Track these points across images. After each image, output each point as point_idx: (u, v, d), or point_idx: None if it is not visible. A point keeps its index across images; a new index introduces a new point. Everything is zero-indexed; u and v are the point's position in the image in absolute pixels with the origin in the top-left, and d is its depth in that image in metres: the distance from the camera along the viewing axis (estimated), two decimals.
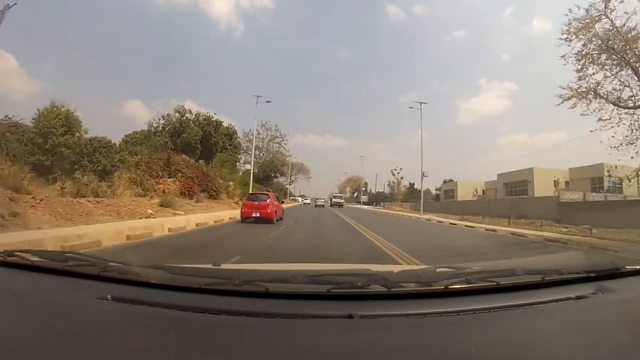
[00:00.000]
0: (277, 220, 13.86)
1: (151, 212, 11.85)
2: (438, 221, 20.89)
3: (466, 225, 17.31)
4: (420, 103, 31.13)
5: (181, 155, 22.51)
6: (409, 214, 31.15)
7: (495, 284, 1.10)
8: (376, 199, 71.29)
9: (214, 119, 37.90)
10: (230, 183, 26.61)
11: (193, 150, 33.43)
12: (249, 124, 57.21)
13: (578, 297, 1.09)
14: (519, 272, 1.17)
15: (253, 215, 13.09)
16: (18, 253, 1.22)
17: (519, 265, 1.23)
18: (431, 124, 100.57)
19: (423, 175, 32.07)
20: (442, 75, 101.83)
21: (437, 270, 1.26)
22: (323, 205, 48.23)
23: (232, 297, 1.01)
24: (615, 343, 0.87)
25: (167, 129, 36.31)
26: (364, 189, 78.23)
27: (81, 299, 0.99)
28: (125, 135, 32.61)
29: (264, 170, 51.12)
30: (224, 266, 1.58)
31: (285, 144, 56.56)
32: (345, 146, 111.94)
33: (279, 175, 57.64)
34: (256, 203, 13.68)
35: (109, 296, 0.98)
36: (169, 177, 18.58)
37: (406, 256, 6.67)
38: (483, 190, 45.97)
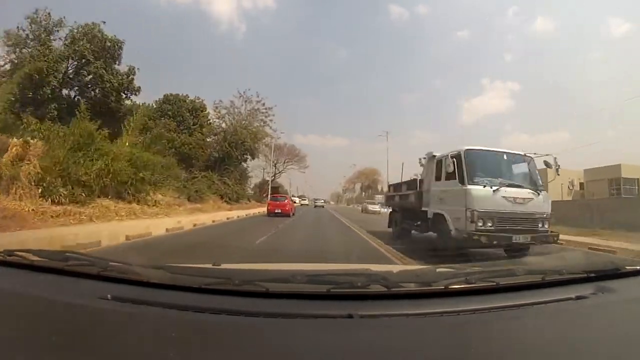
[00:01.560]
0: (292, 215, 20.76)
1: None
2: None
3: None
4: None
5: None
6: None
7: (495, 284, 1.10)
8: None
9: (101, 33, 19.26)
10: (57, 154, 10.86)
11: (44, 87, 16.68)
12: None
13: (578, 297, 1.09)
14: (519, 272, 1.17)
15: (276, 211, 19.96)
16: (18, 252, 1.22)
17: (519, 266, 1.23)
18: (432, 124, 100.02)
19: None
20: (444, 74, 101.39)
21: (437, 270, 1.27)
22: (323, 206, 48.11)
23: (232, 297, 1.01)
24: (615, 343, 0.86)
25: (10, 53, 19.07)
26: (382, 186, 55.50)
27: (81, 298, 0.99)
28: None
29: (221, 148, 32.90)
30: (224, 266, 1.58)
31: (271, 120, 38.29)
32: (345, 146, 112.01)
33: (249, 156, 36.22)
34: (278, 203, 21.37)
35: (109, 296, 0.98)
36: None
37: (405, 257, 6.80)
38: None
